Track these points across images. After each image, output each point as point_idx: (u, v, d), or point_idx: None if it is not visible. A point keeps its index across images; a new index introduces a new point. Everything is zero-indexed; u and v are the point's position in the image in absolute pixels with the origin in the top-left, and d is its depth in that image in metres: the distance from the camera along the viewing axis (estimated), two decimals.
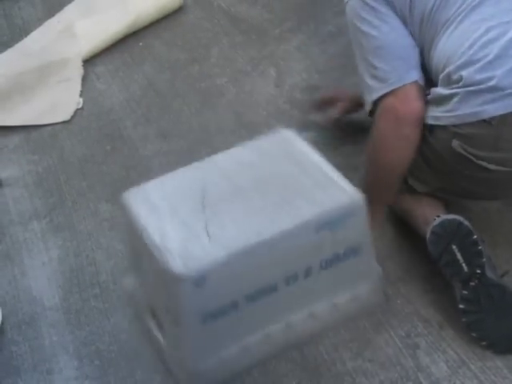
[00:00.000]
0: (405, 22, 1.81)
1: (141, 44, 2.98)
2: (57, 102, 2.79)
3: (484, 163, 1.64)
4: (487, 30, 1.62)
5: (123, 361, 1.89)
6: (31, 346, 1.96)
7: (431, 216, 1.78)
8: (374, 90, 1.82)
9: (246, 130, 2.45)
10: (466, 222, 1.71)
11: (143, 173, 2.39)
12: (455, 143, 1.65)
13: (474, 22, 1.65)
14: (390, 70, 1.78)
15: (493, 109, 1.58)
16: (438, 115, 1.69)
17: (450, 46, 1.69)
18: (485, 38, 1.61)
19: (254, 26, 2.90)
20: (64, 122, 2.69)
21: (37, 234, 2.27)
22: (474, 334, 1.71)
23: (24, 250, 2.23)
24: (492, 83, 1.57)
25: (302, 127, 2.39)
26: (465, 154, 1.65)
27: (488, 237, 1.88)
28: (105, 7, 3.11)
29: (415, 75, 1.78)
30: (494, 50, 1.59)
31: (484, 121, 1.59)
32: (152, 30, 3.02)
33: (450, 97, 1.64)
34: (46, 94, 2.83)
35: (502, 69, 1.57)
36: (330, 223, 1.62)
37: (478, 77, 1.59)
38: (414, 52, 1.80)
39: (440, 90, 1.69)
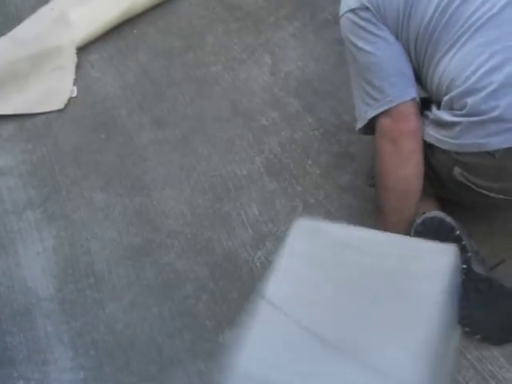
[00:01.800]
0: (397, 38, 1.73)
1: (135, 31, 2.95)
2: (51, 90, 2.77)
3: (484, 191, 1.62)
4: (492, 55, 1.55)
5: (119, 351, 1.89)
6: (26, 336, 1.96)
7: (421, 209, 1.77)
8: (369, 108, 1.74)
9: (242, 117, 2.44)
10: (449, 219, 1.70)
11: (138, 161, 2.38)
12: (457, 171, 1.63)
13: (478, 44, 1.57)
14: (386, 87, 1.71)
15: (497, 142, 1.53)
16: (440, 138, 1.64)
17: (453, 69, 1.62)
18: (490, 64, 1.54)
19: (249, 13, 2.88)
20: (58, 111, 2.67)
21: (31, 223, 2.26)
22: (466, 329, 1.70)
23: (18, 240, 2.22)
24: (496, 113, 1.51)
25: (298, 116, 2.40)
26: (465, 182, 1.63)
27: (485, 226, 1.88)
28: None
29: (413, 92, 1.71)
30: (499, 77, 1.52)
31: (487, 152, 1.55)
32: (146, 17, 3.00)
33: (453, 124, 1.59)
34: (39, 82, 2.81)
35: (507, 98, 1.51)
36: None
37: (484, 107, 1.53)
38: (410, 69, 1.73)
39: (442, 115, 1.63)
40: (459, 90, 1.58)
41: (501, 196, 1.62)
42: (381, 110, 1.71)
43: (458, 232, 1.68)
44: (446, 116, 1.62)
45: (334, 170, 2.19)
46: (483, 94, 1.53)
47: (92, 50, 2.92)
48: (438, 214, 1.72)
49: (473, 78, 1.56)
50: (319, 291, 1.44)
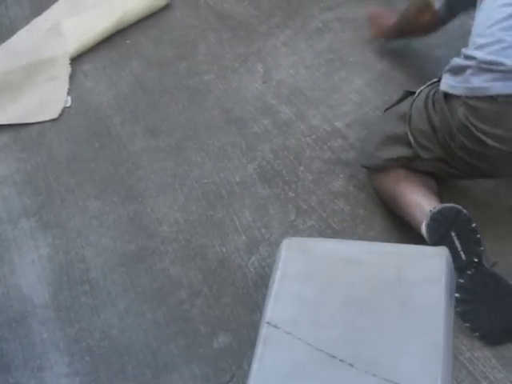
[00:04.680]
0: None
1: (128, 41, 2.97)
2: (44, 100, 2.79)
3: (482, 136, 1.68)
4: (510, 16, 1.71)
5: (114, 357, 1.90)
6: (22, 343, 1.97)
7: (427, 206, 1.78)
8: None
9: (234, 125, 2.46)
10: (465, 211, 1.71)
11: (132, 169, 2.40)
12: (460, 111, 1.71)
13: (500, 5, 1.75)
14: None
15: (500, 86, 1.64)
16: (454, 84, 1.75)
17: (477, 21, 1.82)
18: (505, 23, 1.70)
19: (240, 22, 2.90)
20: (52, 121, 2.69)
21: (26, 232, 2.28)
22: (467, 325, 1.70)
23: (13, 248, 2.23)
24: (503, 68, 1.65)
25: (290, 123, 2.41)
26: (466, 123, 1.70)
27: None
28: (91, 5, 3.11)
29: None
30: (510, 38, 1.67)
31: (491, 97, 1.65)
32: (139, 27, 3.02)
33: (465, 68, 1.73)
34: (33, 92, 2.82)
35: None
36: None
37: (490, 58, 1.67)
38: None
39: (458, 60, 1.78)
40: (476, 43, 1.75)
41: (497, 144, 1.67)
42: None
43: (474, 224, 1.69)
44: (460, 61, 1.77)
45: (326, 176, 2.21)
46: (494, 48, 1.69)
47: (85, 60, 2.94)
48: (455, 205, 1.73)
49: (487, 32, 1.73)
50: (323, 310, 1.44)
